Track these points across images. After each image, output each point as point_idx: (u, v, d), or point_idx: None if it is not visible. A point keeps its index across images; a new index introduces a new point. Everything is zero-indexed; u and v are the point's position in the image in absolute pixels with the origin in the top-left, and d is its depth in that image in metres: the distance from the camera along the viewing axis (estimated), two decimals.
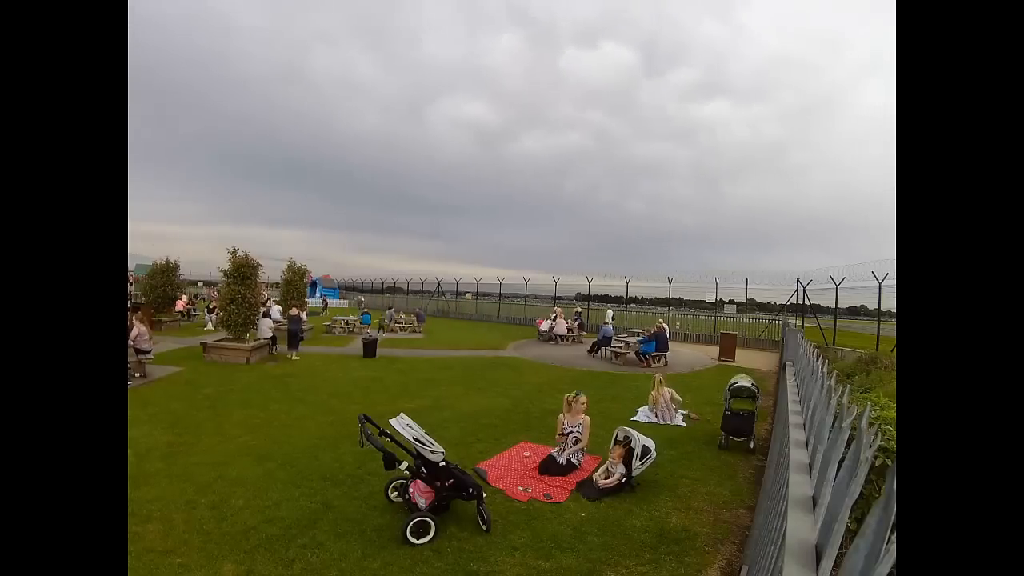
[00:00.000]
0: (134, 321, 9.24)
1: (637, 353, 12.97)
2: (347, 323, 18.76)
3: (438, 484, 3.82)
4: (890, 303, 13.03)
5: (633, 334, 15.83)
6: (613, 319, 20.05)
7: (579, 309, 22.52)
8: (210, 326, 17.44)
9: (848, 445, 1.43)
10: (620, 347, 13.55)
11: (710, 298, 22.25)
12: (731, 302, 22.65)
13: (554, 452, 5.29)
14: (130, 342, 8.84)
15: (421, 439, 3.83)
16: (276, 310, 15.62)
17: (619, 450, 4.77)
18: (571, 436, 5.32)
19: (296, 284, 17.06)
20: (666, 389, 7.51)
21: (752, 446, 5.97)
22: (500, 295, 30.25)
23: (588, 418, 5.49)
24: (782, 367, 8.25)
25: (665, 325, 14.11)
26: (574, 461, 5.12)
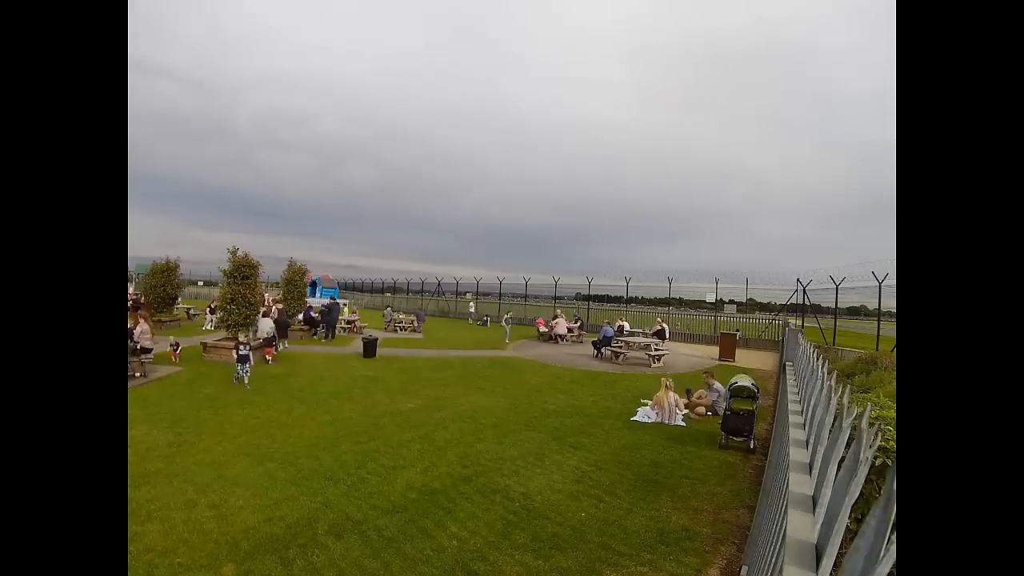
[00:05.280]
0: (137, 320, 9.26)
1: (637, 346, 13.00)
2: (347, 323, 18.77)
3: None
4: (890, 303, 13.05)
5: (633, 334, 15.84)
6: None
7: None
8: (209, 326, 17.47)
9: (848, 445, 1.43)
10: (620, 347, 13.58)
11: (710, 298, 22.26)
12: (731, 302, 22.65)
13: None
14: (136, 338, 8.85)
15: None
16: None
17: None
18: None
19: (296, 284, 17.13)
20: (672, 394, 7.49)
21: (752, 446, 5.97)
22: (500, 295, 30.26)
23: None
24: (782, 367, 8.24)
25: (665, 325, 14.14)
26: None
